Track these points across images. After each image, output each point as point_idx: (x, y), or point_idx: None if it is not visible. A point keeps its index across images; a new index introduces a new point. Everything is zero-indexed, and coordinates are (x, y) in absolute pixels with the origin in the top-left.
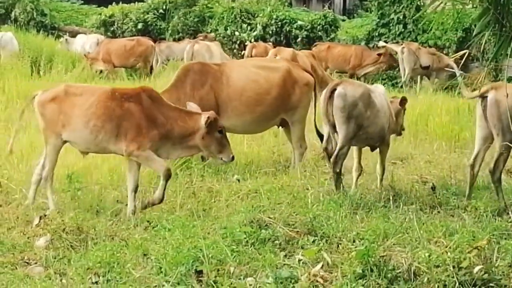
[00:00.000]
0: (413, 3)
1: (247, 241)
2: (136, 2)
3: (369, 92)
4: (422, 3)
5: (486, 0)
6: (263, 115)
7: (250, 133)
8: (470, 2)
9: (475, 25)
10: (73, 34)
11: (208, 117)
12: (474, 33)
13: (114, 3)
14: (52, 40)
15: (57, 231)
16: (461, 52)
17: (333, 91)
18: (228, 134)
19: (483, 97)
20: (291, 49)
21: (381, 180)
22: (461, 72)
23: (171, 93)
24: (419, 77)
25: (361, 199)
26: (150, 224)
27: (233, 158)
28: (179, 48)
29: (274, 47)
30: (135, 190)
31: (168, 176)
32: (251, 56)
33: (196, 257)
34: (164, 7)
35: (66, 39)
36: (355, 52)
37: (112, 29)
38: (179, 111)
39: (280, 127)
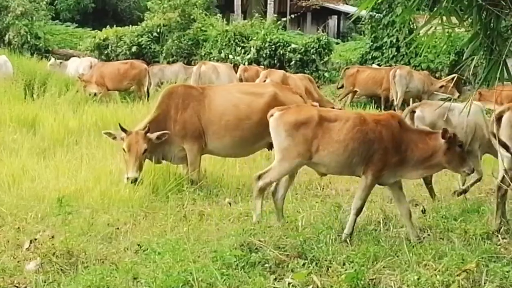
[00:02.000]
0: (406, 27)
1: (237, 265)
2: (130, 25)
3: (445, 112)
4: (414, 27)
5: (476, 24)
6: (244, 139)
7: (234, 156)
8: (460, 26)
9: (466, 49)
10: (67, 57)
11: (448, 133)
12: (464, 57)
13: (108, 26)
14: (46, 63)
15: (47, 255)
16: (451, 76)
17: (412, 113)
18: (218, 158)
19: (499, 117)
20: (282, 71)
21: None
22: (450, 96)
23: (156, 116)
24: (411, 100)
25: None
26: (140, 247)
27: (473, 169)
28: (171, 70)
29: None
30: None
31: (359, 212)
32: (242, 79)
33: (186, 280)
34: (158, 30)
35: (61, 62)
36: (387, 75)
37: (106, 52)
38: (419, 133)
39: (272, 150)
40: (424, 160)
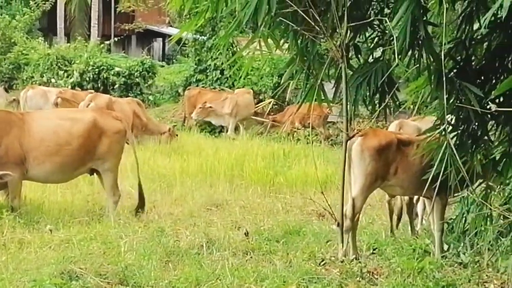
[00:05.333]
0: (229, 49)
1: None
2: None
3: (421, 128)
4: (237, 49)
5: (292, 48)
6: (64, 165)
7: (54, 182)
8: (278, 49)
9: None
10: None
11: None
12: (282, 81)
13: None
14: None
15: None
16: (267, 101)
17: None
18: (39, 184)
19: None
20: (108, 95)
21: None
22: (266, 120)
23: None
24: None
25: (174, 246)
26: None
27: None
28: None
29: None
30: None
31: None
32: (57, 103)
33: None
34: None
35: None
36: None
37: None
38: None
39: (95, 175)
40: None
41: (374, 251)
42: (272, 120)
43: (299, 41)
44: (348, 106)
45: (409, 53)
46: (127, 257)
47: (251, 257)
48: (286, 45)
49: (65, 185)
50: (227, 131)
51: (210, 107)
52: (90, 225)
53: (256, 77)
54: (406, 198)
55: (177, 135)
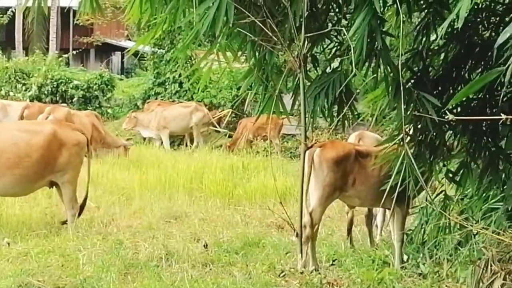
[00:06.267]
0: (187, 62)
1: None
2: None
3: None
4: (196, 62)
5: (250, 59)
6: (25, 177)
7: (13, 195)
8: (235, 61)
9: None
10: None
11: None
12: (240, 92)
13: None
14: None
15: None
16: (225, 111)
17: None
18: None
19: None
20: (67, 108)
21: None
22: (225, 130)
23: None
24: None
25: (133, 258)
26: None
27: None
28: None
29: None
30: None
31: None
32: (23, 117)
33: None
34: None
35: None
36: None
37: None
38: None
39: (54, 188)
40: None
41: (333, 262)
42: (230, 144)
43: (257, 52)
44: (307, 117)
45: (367, 63)
46: (85, 270)
47: (211, 269)
48: (244, 57)
49: (23, 198)
50: (186, 144)
51: (134, 116)
52: (48, 238)
53: (215, 90)
54: (365, 209)
55: (129, 148)
